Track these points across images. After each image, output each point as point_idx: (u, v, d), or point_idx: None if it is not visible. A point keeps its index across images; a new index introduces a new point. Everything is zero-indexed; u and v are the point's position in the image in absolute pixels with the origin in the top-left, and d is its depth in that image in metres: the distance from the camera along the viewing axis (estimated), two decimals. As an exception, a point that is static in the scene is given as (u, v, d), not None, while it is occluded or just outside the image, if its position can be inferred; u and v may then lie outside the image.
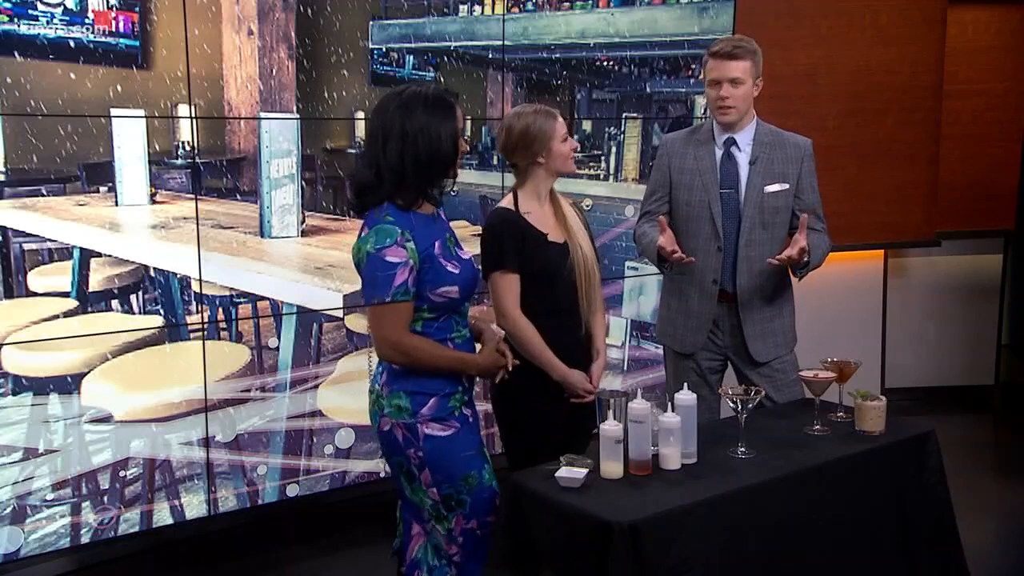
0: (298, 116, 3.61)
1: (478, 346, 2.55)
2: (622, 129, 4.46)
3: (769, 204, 3.07)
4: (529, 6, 4.11)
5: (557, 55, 4.23)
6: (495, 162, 4.13)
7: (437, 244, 2.37)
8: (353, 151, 3.77)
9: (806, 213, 3.01)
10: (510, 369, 2.49)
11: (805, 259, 2.97)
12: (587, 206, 4.30)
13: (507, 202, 2.82)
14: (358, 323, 3.78)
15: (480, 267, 2.68)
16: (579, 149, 2.86)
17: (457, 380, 2.44)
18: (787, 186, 3.08)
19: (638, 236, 3.19)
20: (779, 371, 3.12)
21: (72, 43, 3.14)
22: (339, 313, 3.74)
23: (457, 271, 2.40)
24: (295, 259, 3.66)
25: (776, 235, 3.09)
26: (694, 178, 3.09)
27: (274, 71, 3.54)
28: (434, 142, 2.31)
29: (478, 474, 2.42)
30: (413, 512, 2.49)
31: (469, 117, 4.03)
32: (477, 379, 2.59)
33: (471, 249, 2.61)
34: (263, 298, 3.62)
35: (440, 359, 2.40)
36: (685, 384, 2.55)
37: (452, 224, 2.55)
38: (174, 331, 3.44)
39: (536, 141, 2.75)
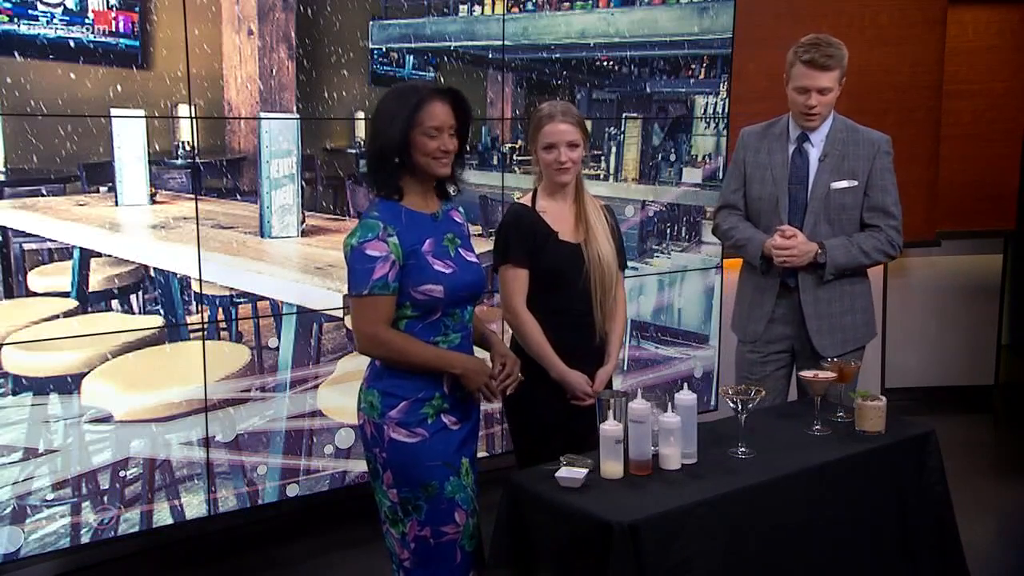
0: (298, 116, 3.61)
1: (483, 353, 2.52)
2: (622, 129, 4.46)
3: (835, 201, 3.10)
4: (529, 6, 4.11)
5: (557, 55, 4.22)
6: (495, 162, 4.13)
7: (428, 242, 2.35)
8: (353, 151, 3.77)
9: (873, 210, 3.11)
10: (495, 385, 2.40)
11: (821, 260, 3.06)
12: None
13: (526, 198, 2.84)
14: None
15: (484, 270, 2.67)
16: (564, 164, 2.73)
17: (435, 385, 2.38)
18: (855, 183, 3.11)
19: (728, 228, 3.24)
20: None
21: (72, 43, 3.13)
22: (339, 313, 3.74)
23: (448, 271, 2.35)
24: (295, 259, 3.66)
25: (842, 231, 3.12)
26: (765, 172, 3.14)
27: (274, 71, 3.54)
28: (383, 128, 2.31)
29: (439, 485, 2.37)
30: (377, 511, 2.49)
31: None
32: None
33: (476, 251, 2.59)
34: (263, 298, 3.62)
35: (419, 355, 2.34)
36: (685, 385, 2.55)
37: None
38: (174, 331, 3.44)
39: (528, 136, 2.78)
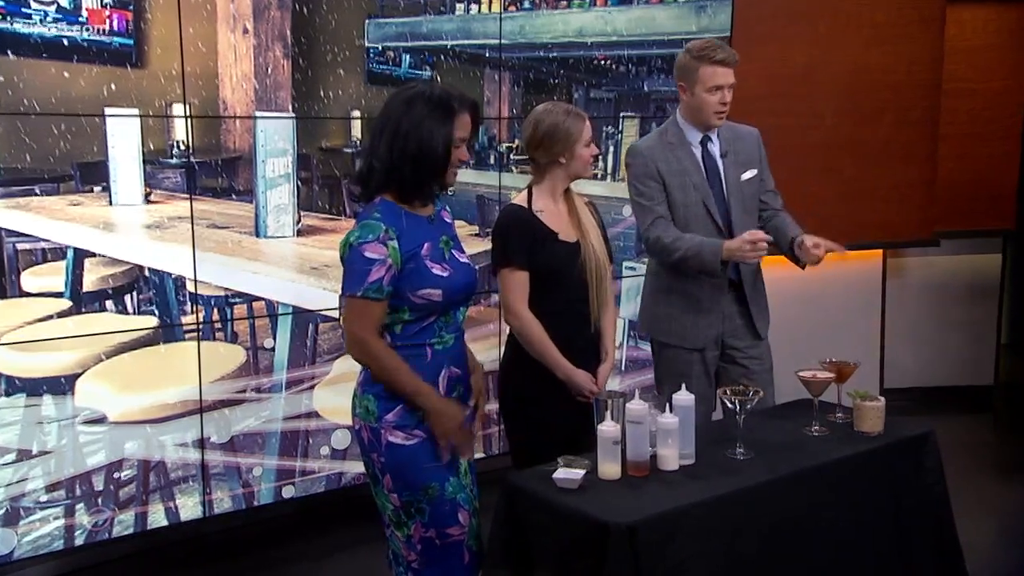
0: (294, 115, 3.59)
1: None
2: (620, 128, 4.45)
3: (747, 191, 3.21)
4: (526, 4, 4.10)
5: (554, 54, 4.21)
6: (492, 162, 4.12)
7: (426, 246, 2.34)
8: (349, 150, 3.76)
9: (769, 191, 3.19)
10: (462, 439, 2.37)
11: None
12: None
13: (521, 199, 2.83)
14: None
15: (481, 269, 2.66)
16: (598, 155, 2.86)
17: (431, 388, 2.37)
18: (755, 171, 3.23)
19: (672, 241, 3.04)
20: (757, 359, 3.21)
21: (66, 41, 3.12)
22: (335, 313, 3.72)
23: (445, 274, 2.35)
24: (291, 259, 3.64)
25: (754, 218, 3.23)
26: (684, 178, 3.15)
27: (269, 70, 3.52)
28: (425, 141, 2.28)
29: (439, 486, 2.36)
30: (379, 514, 2.48)
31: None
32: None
33: (473, 250, 2.59)
34: (258, 298, 3.60)
35: (398, 382, 2.31)
36: (683, 385, 2.54)
37: (448, 224, 2.53)
38: (169, 332, 3.43)
39: (560, 142, 2.76)
